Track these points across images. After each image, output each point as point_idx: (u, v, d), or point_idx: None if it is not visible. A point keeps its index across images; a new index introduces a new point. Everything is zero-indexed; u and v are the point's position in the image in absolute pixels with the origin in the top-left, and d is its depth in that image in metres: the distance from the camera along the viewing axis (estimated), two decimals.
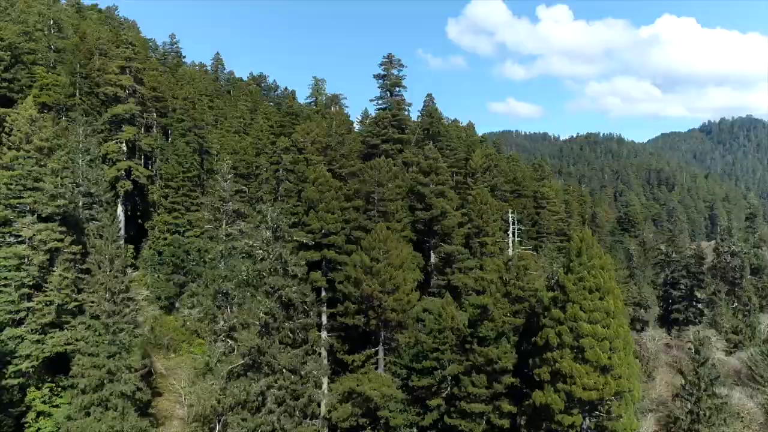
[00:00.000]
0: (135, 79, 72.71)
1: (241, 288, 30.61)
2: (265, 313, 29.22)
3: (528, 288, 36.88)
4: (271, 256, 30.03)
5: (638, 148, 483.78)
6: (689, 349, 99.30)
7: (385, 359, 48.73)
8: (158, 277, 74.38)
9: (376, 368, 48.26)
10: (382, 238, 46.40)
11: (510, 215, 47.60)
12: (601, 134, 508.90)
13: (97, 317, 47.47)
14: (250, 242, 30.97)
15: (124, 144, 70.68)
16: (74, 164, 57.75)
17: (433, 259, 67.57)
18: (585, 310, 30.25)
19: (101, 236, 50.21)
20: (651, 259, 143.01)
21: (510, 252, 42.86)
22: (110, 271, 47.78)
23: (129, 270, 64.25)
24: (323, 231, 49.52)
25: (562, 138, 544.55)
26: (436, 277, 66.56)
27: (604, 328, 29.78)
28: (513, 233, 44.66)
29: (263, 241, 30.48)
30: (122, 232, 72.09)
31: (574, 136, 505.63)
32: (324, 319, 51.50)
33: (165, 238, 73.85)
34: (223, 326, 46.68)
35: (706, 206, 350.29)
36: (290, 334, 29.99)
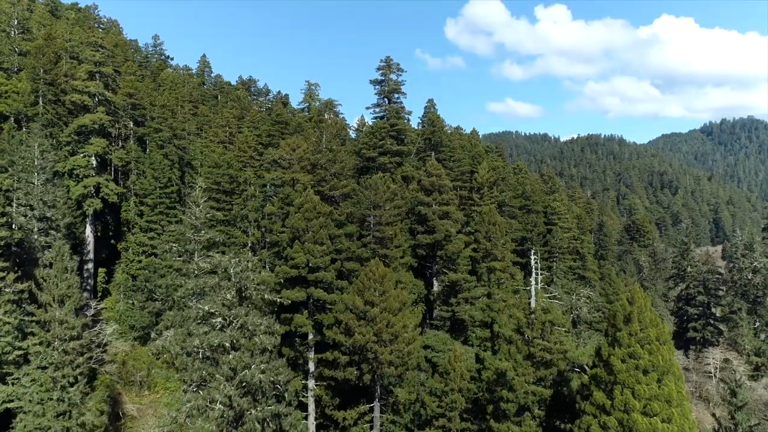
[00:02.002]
0: (106, 85, 65.64)
1: (196, 365, 23.79)
2: (223, 404, 22.38)
3: (555, 349, 30.05)
4: (234, 323, 23.15)
5: (640, 150, 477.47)
6: (709, 374, 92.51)
7: (381, 417, 41.80)
8: (132, 303, 67.49)
9: (371, 428, 41.32)
10: (378, 277, 39.47)
11: (532, 258, 40.51)
12: (603, 135, 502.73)
13: (45, 368, 40.64)
14: (206, 308, 24.03)
15: (93, 158, 63.59)
16: (29, 185, 50.75)
17: (436, 287, 60.70)
18: (639, 396, 23.45)
19: (51, 266, 43.29)
20: (662, 272, 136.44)
21: (532, 302, 36.00)
22: (59, 313, 40.93)
23: (92, 302, 57.52)
24: (309, 265, 42.58)
25: (562, 139, 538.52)
26: (439, 307, 59.69)
27: (665, 422, 22.99)
28: (536, 279, 37.60)
29: (224, 305, 23.60)
30: (91, 255, 65.15)
31: (575, 137, 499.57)
32: (311, 366, 44.55)
33: (140, 261, 66.86)
34: (192, 377, 39.87)
35: (710, 209, 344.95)
36: (258, 425, 23.21)
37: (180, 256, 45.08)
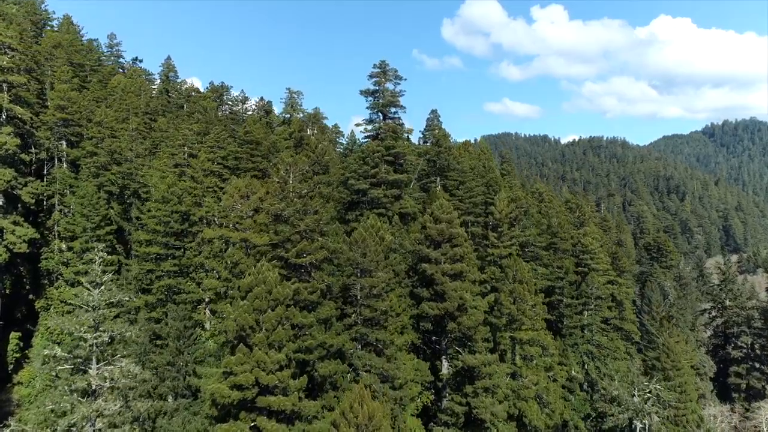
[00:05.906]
0: (17, 98, 50.85)
1: None
2: None
3: None
4: None
5: (643, 153, 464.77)
6: None
7: None
8: (55, 376, 52.70)
9: None
10: (363, 421, 24.75)
11: (644, 395, 24.63)
12: (605, 138, 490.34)
13: None
14: None
15: None
16: None
17: (445, 368, 45.96)
18: None
19: None
20: (688, 296, 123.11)
21: None
22: None
23: None
24: (260, 384, 27.92)
25: (563, 140, 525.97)
26: (450, 395, 44.98)
27: None
28: None
29: None
30: None
31: (576, 139, 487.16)
32: None
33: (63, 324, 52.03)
34: None
35: (719, 216, 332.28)
36: None
37: (70, 364, 30.54)
